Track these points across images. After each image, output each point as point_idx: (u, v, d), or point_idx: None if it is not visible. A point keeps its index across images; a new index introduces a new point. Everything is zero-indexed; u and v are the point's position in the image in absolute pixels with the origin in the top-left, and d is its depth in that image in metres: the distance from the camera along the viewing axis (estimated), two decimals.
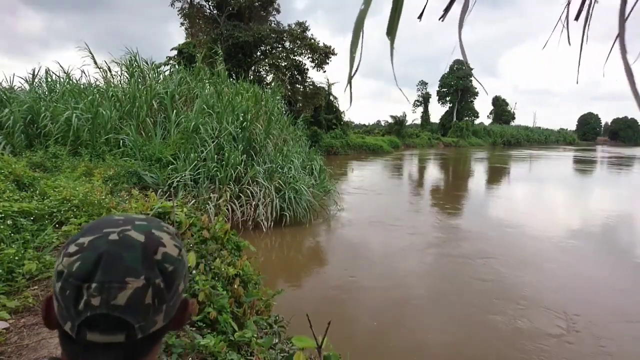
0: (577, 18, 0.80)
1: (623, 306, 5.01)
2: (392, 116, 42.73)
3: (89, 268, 0.51)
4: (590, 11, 0.79)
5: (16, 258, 2.67)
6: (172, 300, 0.56)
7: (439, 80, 59.33)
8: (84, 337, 0.51)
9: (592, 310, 4.85)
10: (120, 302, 0.50)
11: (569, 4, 0.80)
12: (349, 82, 0.79)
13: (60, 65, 9.93)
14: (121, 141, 7.50)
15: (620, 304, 5.08)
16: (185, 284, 0.60)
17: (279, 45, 23.36)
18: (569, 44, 0.80)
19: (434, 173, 21.87)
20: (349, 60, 0.77)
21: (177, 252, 0.58)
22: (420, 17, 0.97)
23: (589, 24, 0.85)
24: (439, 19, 0.88)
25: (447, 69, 57.18)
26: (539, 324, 4.45)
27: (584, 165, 29.09)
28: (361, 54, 0.77)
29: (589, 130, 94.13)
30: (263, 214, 7.66)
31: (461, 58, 0.79)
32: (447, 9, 0.87)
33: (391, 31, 0.78)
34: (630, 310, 4.90)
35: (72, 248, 0.53)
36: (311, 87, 24.62)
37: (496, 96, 70.24)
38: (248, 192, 7.74)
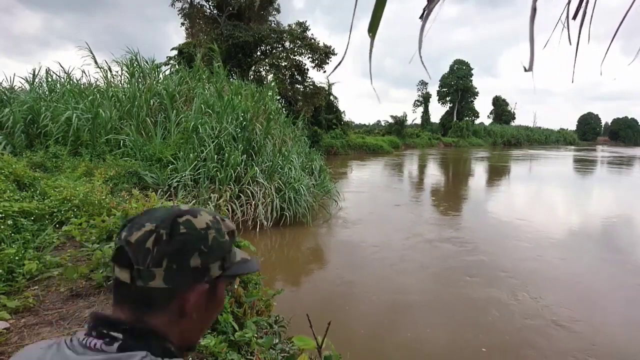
0: (575, 17, 0.80)
1: None
2: (392, 116, 42.76)
3: (139, 214, 0.63)
4: (586, 10, 0.79)
5: (16, 258, 2.67)
6: (176, 263, 0.59)
7: (439, 80, 59.35)
8: (114, 271, 0.61)
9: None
10: (132, 239, 0.59)
11: (568, 3, 0.80)
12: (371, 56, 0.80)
13: (61, 65, 9.95)
14: (121, 141, 7.50)
15: None
16: (207, 265, 0.62)
17: (279, 45, 23.37)
18: (570, 43, 0.80)
19: (434, 173, 21.87)
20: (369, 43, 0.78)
21: (203, 226, 0.62)
22: (421, 17, 0.97)
23: (589, 23, 0.85)
24: (419, 18, 0.88)
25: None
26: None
27: (586, 165, 29.08)
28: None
29: (589, 130, 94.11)
30: (263, 214, 7.66)
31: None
32: (426, 7, 0.87)
33: (372, 28, 0.77)
34: None
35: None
36: (311, 87, 24.62)
37: (496, 96, 70.24)
38: (248, 192, 7.74)
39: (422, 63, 0.85)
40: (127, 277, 0.59)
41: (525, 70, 0.81)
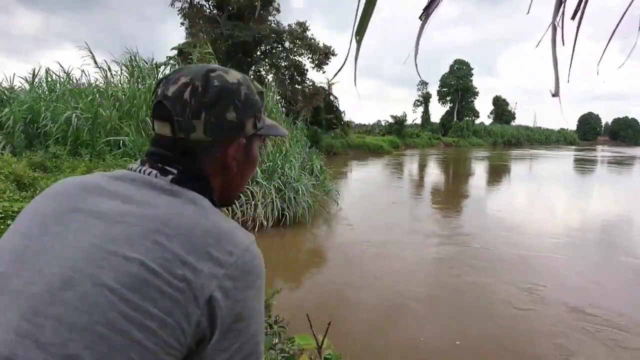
0: (573, 17, 0.80)
1: None
2: (392, 116, 42.72)
3: (173, 71, 0.64)
4: (583, 10, 0.78)
5: None
6: (213, 116, 0.61)
7: (439, 80, 59.35)
8: (154, 127, 0.64)
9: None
10: (169, 92, 0.60)
11: (565, 2, 0.80)
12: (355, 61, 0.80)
13: (60, 65, 9.94)
14: (121, 141, 7.50)
15: None
16: (242, 120, 0.65)
17: (279, 45, 23.37)
18: (562, 44, 0.79)
19: (435, 173, 21.87)
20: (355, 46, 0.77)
21: (235, 81, 0.64)
22: (421, 17, 0.97)
23: (586, 24, 0.85)
24: (420, 18, 0.87)
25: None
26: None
27: (589, 164, 29.10)
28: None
29: (589, 130, 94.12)
30: (263, 214, 7.66)
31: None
32: (427, 8, 0.86)
33: (360, 32, 0.76)
34: None
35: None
36: (311, 87, 24.62)
37: (496, 96, 70.25)
38: (248, 192, 7.75)
39: (417, 71, 0.85)
40: (168, 130, 0.61)
41: (552, 95, 0.80)
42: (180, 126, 0.60)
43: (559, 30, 0.79)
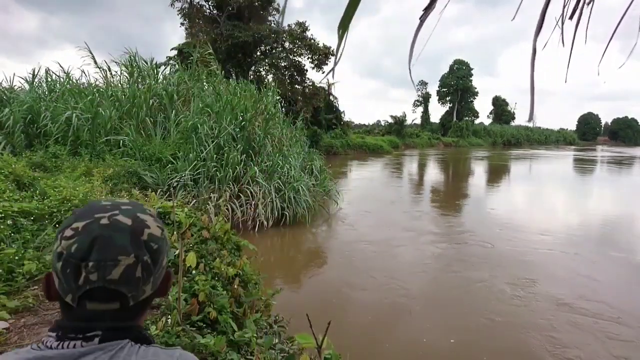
0: (571, 17, 0.80)
1: None
2: (392, 116, 42.80)
3: (85, 249, 0.59)
4: (583, 10, 0.79)
5: (16, 258, 2.67)
6: (157, 273, 0.65)
7: (439, 80, 59.36)
8: (85, 307, 0.60)
9: None
10: (114, 276, 0.59)
11: (565, 3, 0.79)
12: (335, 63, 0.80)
13: (60, 65, 9.94)
14: (121, 141, 7.50)
15: None
16: (167, 257, 0.69)
17: (279, 46, 23.37)
18: (563, 44, 0.79)
19: (434, 172, 21.87)
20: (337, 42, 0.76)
21: (160, 232, 0.66)
22: (421, 17, 0.97)
23: (587, 24, 0.85)
24: (420, 18, 0.87)
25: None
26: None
27: (589, 164, 29.09)
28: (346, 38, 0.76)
29: (589, 130, 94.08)
30: (263, 214, 7.66)
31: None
32: (427, 8, 0.86)
33: (343, 25, 0.75)
34: None
35: (69, 232, 0.60)
36: (311, 87, 24.62)
37: (496, 96, 70.25)
38: (248, 192, 7.74)
39: (412, 79, 0.85)
40: (117, 305, 0.61)
41: (527, 121, 0.81)
42: (133, 298, 0.62)
43: (558, 30, 0.79)
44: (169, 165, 7.37)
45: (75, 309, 0.60)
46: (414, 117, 54.87)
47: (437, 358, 3.88)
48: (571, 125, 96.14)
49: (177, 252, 2.69)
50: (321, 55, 23.15)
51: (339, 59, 0.79)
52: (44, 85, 9.28)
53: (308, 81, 24.62)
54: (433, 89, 59.97)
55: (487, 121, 68.87)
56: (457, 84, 56.50)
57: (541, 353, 3.90)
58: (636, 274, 6.36)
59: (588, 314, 4.68)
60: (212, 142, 7.92)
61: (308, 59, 23.61)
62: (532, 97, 0.76)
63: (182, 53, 21.60)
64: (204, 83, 10.57)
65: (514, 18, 0.89)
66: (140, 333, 0.65)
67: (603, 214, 10.91)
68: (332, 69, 0.83)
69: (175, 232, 2.98)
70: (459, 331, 4.30)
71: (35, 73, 9.24)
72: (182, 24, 24.34)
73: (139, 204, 0.70)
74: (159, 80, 10.14)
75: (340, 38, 0.76)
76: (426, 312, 4.79)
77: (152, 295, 0.66)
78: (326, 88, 27.38)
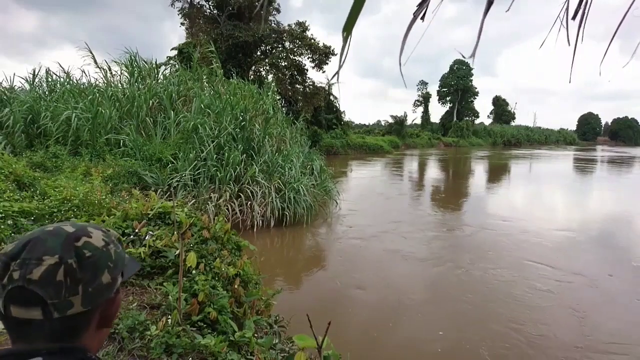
0: (574, 17, 0.80)
1: None
2: (392, 116, 42.83)
3: (19, 248, 0.58)
4: (587, 10, 0.78)
5: None
6: (91, 286, 0.60)
7: (439, 80, 59.40)
8: (10, 313, 0.57)
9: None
10: (34, 276, 0.56)
11: (567, 2, 0.79)
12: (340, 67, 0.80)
13: (60, 65, 9.95)
14: (121, 141, 7.50)
15: None
16: (115, 278, 0.65)
17: (279, 45, 23.37)
18: (569, 43, 0.79)
19: (434, 172, 21.86)
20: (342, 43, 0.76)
21: (102, 244, 0.63)
22: (422, 17, 0.97)
23: (584, 24, 0.85)
24: (414, 14, 0.87)
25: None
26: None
27: (589, 164, 29.08)
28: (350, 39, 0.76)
29: (589, 130, 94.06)
30: (263, 214, 7.66)
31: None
32: (421, 4, 0.86)
33: (347, 27, 0.76)
34: None
35: (18, 238, 0.61)
36: (311, 87, 24.63)
37: (496, 96, 70.30)
38: (248, 192, 7.74)
39: (401, 73, 0.85)
40: (39, 313, 0.57)
41: (469, 56, 0.82)
42: (56, 307, 0.57)
43: (563, 31, 0.79)
44: (169, 165, 7.37)
45: (5, 316, 0.57)
46: (414, 117, 54.96)
47: (437, 358, 3.88)
48: (571, 125, 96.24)
49: (177, 251, 2.69)
50: (321, 55, 23.15)
51: (344, 62, 0.79)
52: (44, 85, 9.29)
53: (308, 81, 24.63)
54: (433, 89, 59.99)
55: (488, 121, 69.01)
56: (457, 84, 56.54)
57: (541, 353, 3.90)
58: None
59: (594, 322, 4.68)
60: (213, 142, 7.92)
61: (308, 58, 23.63)
62: (478, 40, 0.80)
63: (182, 53, 21.61)
64: (205, 83, 10.57)
65: (508, 9, 0.89)
66: (86, 356, 0.61)
67: (603, 214, 10.89)
68: (337, 72, 0.83)
69: (175, 232, 2.98)
70: (459, 331, 4.29)
71: (36, 73, 9.26)
72: (182, 23, 24.39)
73: (103, 227, 0.68)
74: (159, 81, 10.14)
75: (345, 41, 0.76)
76: (426, 312, 4.79)
77: (89, 314, 0.61)
78: (326, 88, 27.39)
